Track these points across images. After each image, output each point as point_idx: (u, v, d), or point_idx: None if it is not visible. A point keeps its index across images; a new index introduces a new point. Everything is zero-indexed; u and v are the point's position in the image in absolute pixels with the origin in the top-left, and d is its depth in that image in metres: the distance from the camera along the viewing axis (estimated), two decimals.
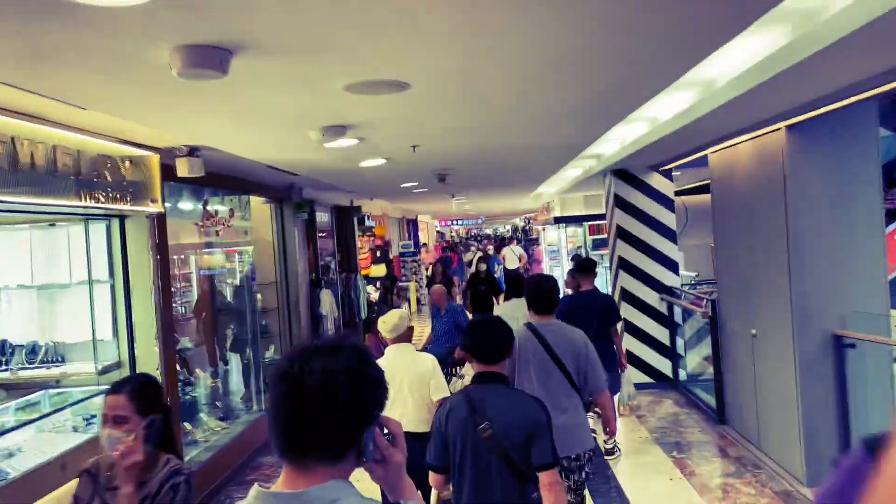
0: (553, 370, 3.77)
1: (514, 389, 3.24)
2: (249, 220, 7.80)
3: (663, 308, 9.19)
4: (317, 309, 10.07)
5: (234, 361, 7.83)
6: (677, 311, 9.09)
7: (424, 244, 25.15)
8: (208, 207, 7.25)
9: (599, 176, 10.06)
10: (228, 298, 7.80)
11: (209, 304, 7.67)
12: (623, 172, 9.30)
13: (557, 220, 15.82)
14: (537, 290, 3.99)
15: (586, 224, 15.46)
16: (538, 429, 2.81)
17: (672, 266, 9.27)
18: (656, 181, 9.29)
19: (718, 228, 7.30)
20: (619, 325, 6.80)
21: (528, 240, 28.17)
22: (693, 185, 13.21)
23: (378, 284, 15.49)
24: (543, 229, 19.60)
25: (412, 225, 25.29)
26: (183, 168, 5.36)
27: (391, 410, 3.74)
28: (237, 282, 8.10)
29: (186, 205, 6.84)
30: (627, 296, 9.27)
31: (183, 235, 6.91)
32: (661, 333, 9.20)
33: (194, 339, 7.17)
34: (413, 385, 4.11)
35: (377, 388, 1.31)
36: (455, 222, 31.09)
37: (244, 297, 7.98)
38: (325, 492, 1.21)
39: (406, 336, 4.27)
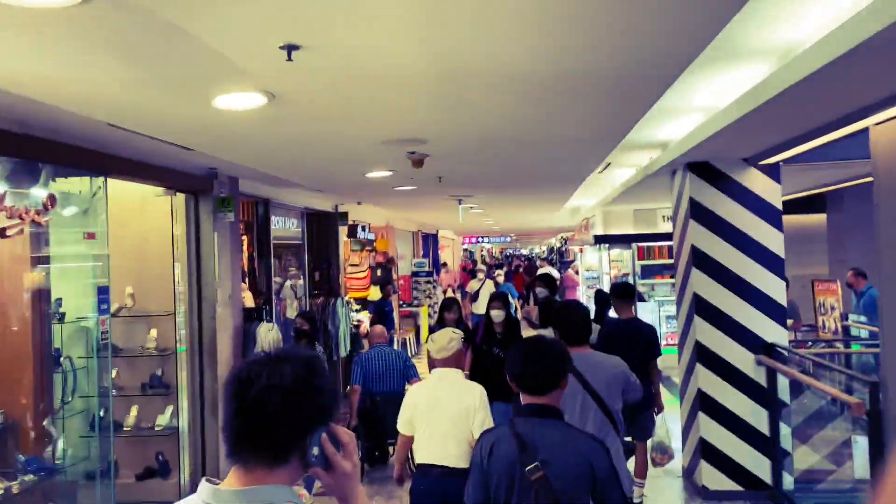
0: (590, 407, 3.44)
1: (570, 426, 2.64)
2: (98, 216, 4.84)
3: (760, 377, 5.96)
4: (251, 349, 7.07)
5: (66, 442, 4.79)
6: (781, 381, 5.87)
7: (444, 263, 22.08)
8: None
9: (664, 175, 6.90)
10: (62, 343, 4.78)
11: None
12: (704, 168, 6.13)
13: (598, 240, 12.62)
14: (569, 317, 3.71)
15: (635, 245, 12.23)
16: (604, 475, 2.47)
17: (777, 312, 6.03)
18: (756, 182, 6.08)
19: (889, 250, 4.10)
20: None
21: (562, 262, 24.91)
22: (792, 197, 9.93)
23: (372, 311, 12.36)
24: (581, 250, 16.34)
25: (431, 241, 22.28)
26: None
27: (428, 442, 3.68)
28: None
29: None
30: (705, 355, 6.06)
31: None
32: (755, 415, 5.97)
33: None
34: (455, 418, 3.64)
35: (323, 397, 1.35)
36: (481, 240, 28.00)
37: (86, 340, 4.97)
38: (261, 493, 1.29)
39: (455, 359, 3.82)
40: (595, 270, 14.77)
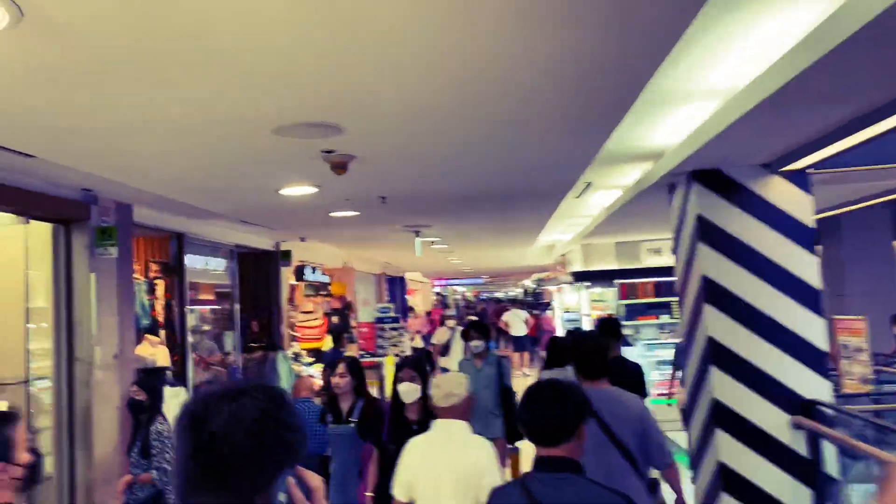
0: (610, 449, 3.10)
1: (592, 482, 2.23)
2: None
3: (799, 444, 4.58)
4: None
5: None
6: (828, 449, 4.50)
7: (411, 308, 20.59)
8: None
9: (659, 191, 5.61)
10: None
11: None
12: (713, 177, 4.84)
13: (577, 277, 11.29)
14: (586, 349, 3.37)
15: (618, 283, 10.91)
16: None
17: (816, 359, 4.68)
18: (780, 193, 4.80)
19: None
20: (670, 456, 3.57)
21: (538, 304, 23.54)
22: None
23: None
24: (558, 289, 14.99)
25: (398, 284, 20.82)
26: None
27: None
28: None
29: None
30: (725, 416, 4.67)
31: None
32: (795, 495, 4.56)
33: None
34: (457, 482, 3.03)
35: (292, 433, 1.21)
36: (451, 283, 26.51)
37: None
38: None
39: (461, 410, 3.24)
40: (574, 312, 13.41)
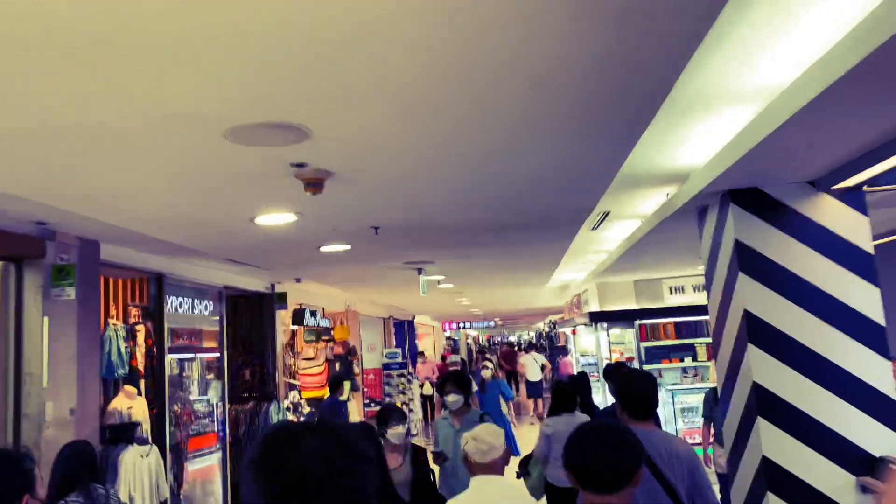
0: (661, 495, 2.87)
1: None
2: None
3: None
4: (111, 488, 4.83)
5: None
6: None
7: (422, 353, 19.80)
8: None
9: (688, 217, 4.97)
10: None
11: None
12: (753, 197, 4.20)
13: (594, 318, 10.57)
14: (635, 387, 3.13)
15: (637, 323, 10.18)
16: None
17: (884, 409, 3.96)
18: (831, 214, 4.14)
19: None
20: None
21: (553, 348, 22.68)
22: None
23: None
24: (574, 332, 14.22)
25: (407, 328, 20.11)
26: None
27: None
28: None
29: None
30: (779, 478, 3.93)
31: None
32: None
33: None
34: None
35: (371, 469, 1.13)
36: (463, 326, 25.72)
37: None
38: None
39: (500, 465, 3.00)
40: (591, 356, 12.63)
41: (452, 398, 4.59)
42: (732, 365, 4.35)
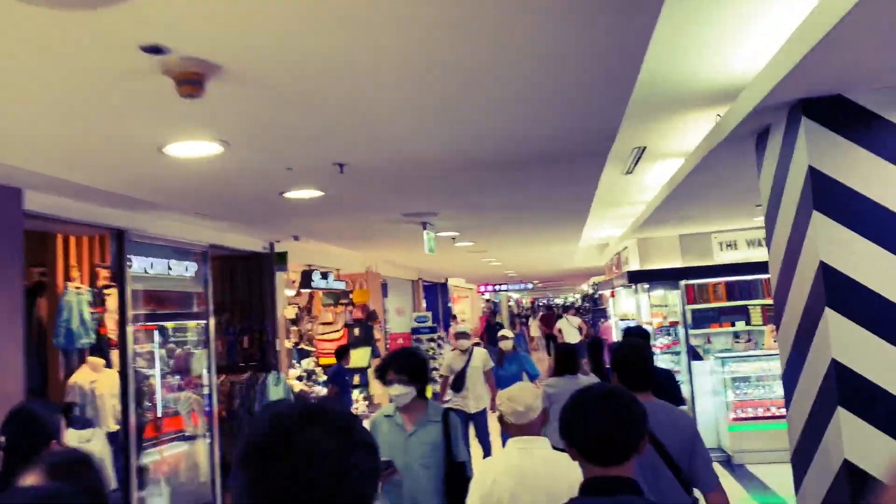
0: (660, 466, 2.82)
1: None
2: None
3: None
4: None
5: None
6: None
7: (454, 316, 18.95)
8: None
9: (743, 142, 3.84)
10: None
11: None
12: (834, 109, 3.06)
13: (634, 278, 9.45)
14: (630, 357, 3.07)
15: (683, 284, 9.02)
16: None
17: None
18: None
19: None
20: None
21: (596, 310, 21.57)
22: None
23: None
24: (612, 294, 13.11)
25: (438, 291, 19.25)
26: None
27: None
28: None
29: None
30: (865, 487, 2.87)
31: None
32: None
33: None
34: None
35: (374, 459, 1.07)
36: (497, 288, 24.64)
37: None
38: None
39: (537, 425, 2.80)
40: (632, 319, 11.54)
41: (397, 390, 3.25)
42: (801, 337, 3.28)
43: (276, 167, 3.76)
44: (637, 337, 5.18)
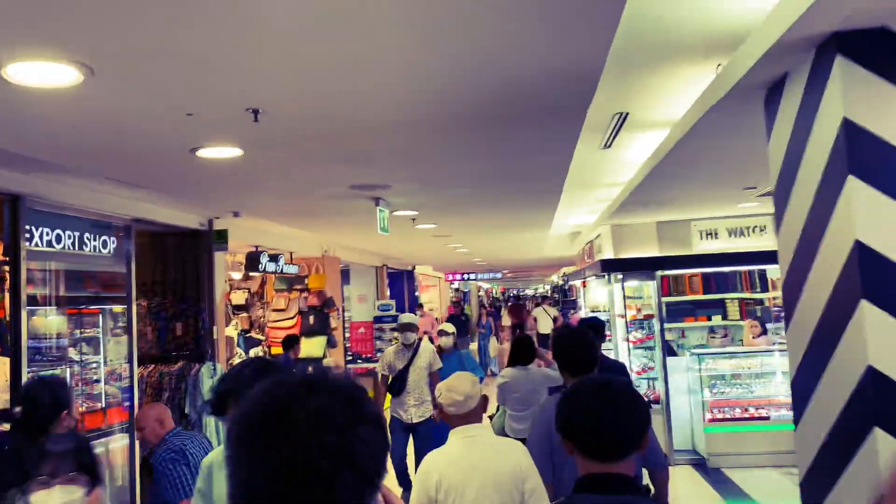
0: None
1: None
2: None
3: None
4: None
5: None
6: None
7: (420, 305, 18.22)
8: None
9: (747, 103, 3.16)
10: None
11: None
12: (880, 45, 2.38)
13: (607, 267, 8.81)
14: (571, 344, 3.12)
15: (659, 275, 8.41)
16: None
17: None
18: None
19: None
20: None
21: (565, 302, 21.07)
22: None
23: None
24: (584, 285, 12.48)
25: (404, 279, 18.51)
26: None
27: None
28: None
29: None
30: None
31: None
32: None
33: None
34: (503, 489, 2.60)
35: (381, 436, 0.99)
36: (465, 277, 23.90)
37: None
38: None
39: (478, 413, 2.86)
40: (603, 311, 10.93)
41: None
42: (822, 336, 2.62)
43: (173, 112, 2.98)
44: (588, 328, 5.20)
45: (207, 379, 6.67)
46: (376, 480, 0.96)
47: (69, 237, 5.26)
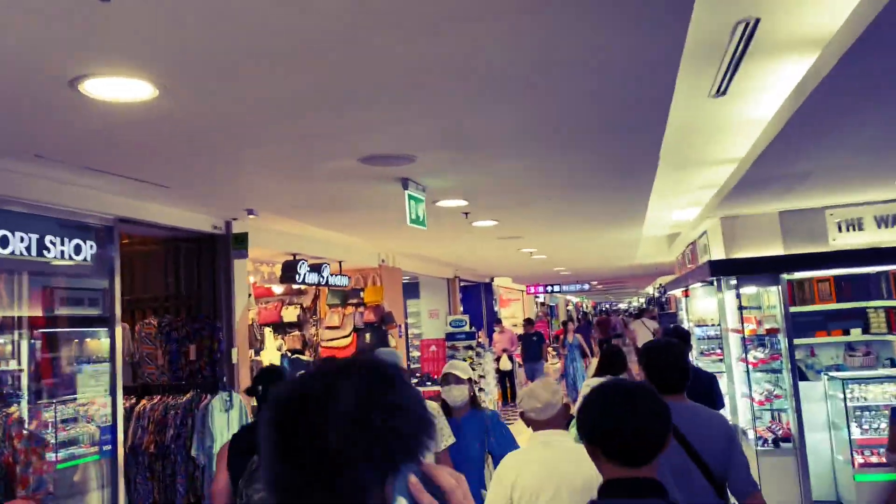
0: (693, 471, 2.77)
1: None
2: None
3: None
4: None
5: None
6: None
7: (499, 320, 16.69)
8: None
9: None
10: None
11: None
12: None
13: (716, 270, 7.06)
14: (661, 358, 2.97)
15: (784, 278, 6.59)
16: None
17: None
18: None
19: None
20: None
21: (662, 315, 19.02)
22: None
23: None
24: (685, 294, 10.62)
25: (484, 291, 17.08)
26: None
27: None
28: None
29: None
30: None
31: None
32: None
33: None
34: (572, 499, 2.57)
35: (404, 420, 0.96)
36: (548, 289, 21.95)
37: None
38: None
39: (561, 418, 2.90)
40: (711, 325, 9.09)
41: None
42: None
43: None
44: (679, 335, 5.14)
45: (220, 413, 5.50)
46: (397, 463, 0.92)
47: (22, 241, 4.18)
